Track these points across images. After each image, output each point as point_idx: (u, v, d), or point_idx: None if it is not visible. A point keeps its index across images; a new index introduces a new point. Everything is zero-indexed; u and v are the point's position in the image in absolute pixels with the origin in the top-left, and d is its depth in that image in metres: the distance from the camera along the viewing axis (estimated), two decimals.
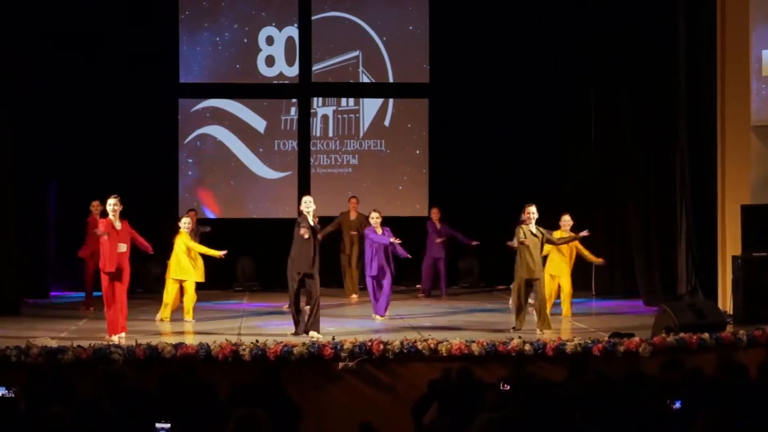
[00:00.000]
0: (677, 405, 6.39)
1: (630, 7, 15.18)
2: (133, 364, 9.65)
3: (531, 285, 12.45)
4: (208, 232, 15.44)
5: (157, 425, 5.89)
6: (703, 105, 14.08)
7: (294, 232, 12.13)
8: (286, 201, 17.80)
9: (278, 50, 17.86)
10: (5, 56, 13.97)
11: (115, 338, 11.34)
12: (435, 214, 16.27)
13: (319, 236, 12.43)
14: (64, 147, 16.47)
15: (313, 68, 17.88)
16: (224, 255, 13.46)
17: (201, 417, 6.41)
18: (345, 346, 10.31)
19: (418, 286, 16.62)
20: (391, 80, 18.04)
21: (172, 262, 13.42)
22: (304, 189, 17.65)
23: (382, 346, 10.34)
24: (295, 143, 17.89)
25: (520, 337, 10.75)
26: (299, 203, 17.47)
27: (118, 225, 11.61)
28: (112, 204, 11.62)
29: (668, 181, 14.84)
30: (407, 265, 14.98)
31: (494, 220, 16.21)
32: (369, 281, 13.86)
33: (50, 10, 15.71)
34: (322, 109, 18.02)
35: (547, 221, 14.79)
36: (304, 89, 17.90)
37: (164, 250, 13.40)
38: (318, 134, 17.97)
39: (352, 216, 16.13)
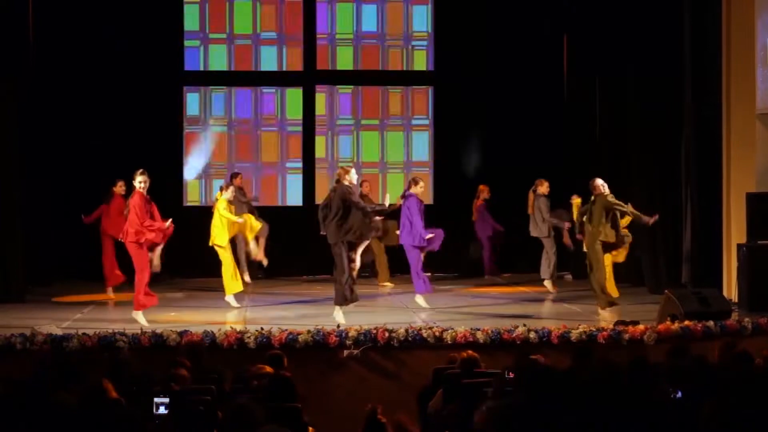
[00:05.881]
0: (678, 395, 6.38)
1: None
2: (138, 351, 9.68)
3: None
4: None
5: (156, 399, 5.92)
6: (708, 93, 14.05)
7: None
8: (291, 188, 17.82)
9: (282, 37, 17.85)
10: (8, 43, 13.96)
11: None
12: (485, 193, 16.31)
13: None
14: (69, 135, 16.48)
15: (318, 56, 17.86)
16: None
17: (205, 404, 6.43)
18: (350, 334, 10.34)
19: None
20: (395, 68, 18.03)
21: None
22: (309, 176, 17.70)
23: (387, 334, 10.35)
24: (299, 130, 17.88)
25: (524, 325, 10.76)
26: (304, 190, 17.68)
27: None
28: (141, 181, 11.79)
29: (673, 168, 14.81)
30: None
31: (498, 209, 16.20)
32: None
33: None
34: (326, 96, 18.00)
35: (554, 205, 14.92)
36: (308, 77, 17.89)
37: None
38: (323, 122, 17.95)
39: None
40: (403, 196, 13.34)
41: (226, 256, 13.53)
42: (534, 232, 15.03)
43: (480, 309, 13.22)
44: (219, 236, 13.52)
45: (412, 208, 13.26)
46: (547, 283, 14.99)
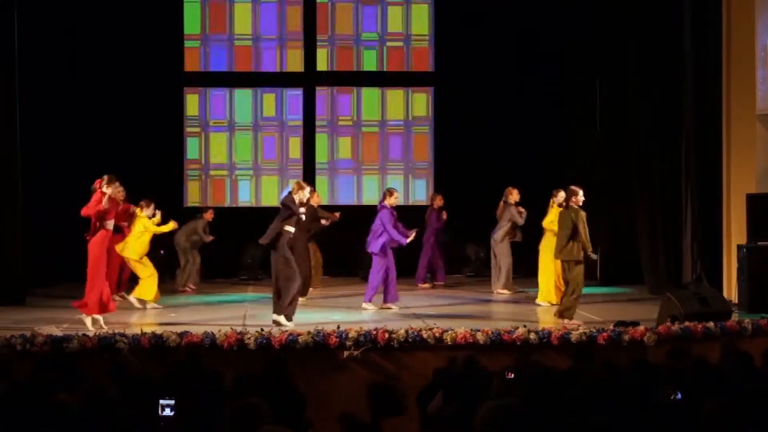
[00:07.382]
0: (679, 396, 6.38)
1: None
2: (139, 352, 9.68)
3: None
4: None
5: (162, 401, 5.90)
6: (708, 94, 14.05)
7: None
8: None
9: (283, 38, 17.86)
10: (8, 43, 13.96)
11: (88, 319, 11.50)
12: (438, 201, 16.25)
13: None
14: (70, 136, 16.49)
15: (318, 57, 17.87)
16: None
17: (206, 405, 6.42)
18: (350, 335, 10.32)
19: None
20: (395, 69, 18.03)
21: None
22: (309, 177, 17.69)
23: (387, 335, 10.34)
24: (299, 131, 17.90)
25: (525, 326, 10.75)
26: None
27: (105, 203, 11.78)
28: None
29: (674, 169, 14.82)
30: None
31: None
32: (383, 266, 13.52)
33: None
34: (326, 98, 18.01)
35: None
36: (308, 78, 17.90)
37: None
38: (323, 123, 17.96)
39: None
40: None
41: (137, 266, 13.58)
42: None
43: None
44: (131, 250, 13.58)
45: (384, 220, 13.34)
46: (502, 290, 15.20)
